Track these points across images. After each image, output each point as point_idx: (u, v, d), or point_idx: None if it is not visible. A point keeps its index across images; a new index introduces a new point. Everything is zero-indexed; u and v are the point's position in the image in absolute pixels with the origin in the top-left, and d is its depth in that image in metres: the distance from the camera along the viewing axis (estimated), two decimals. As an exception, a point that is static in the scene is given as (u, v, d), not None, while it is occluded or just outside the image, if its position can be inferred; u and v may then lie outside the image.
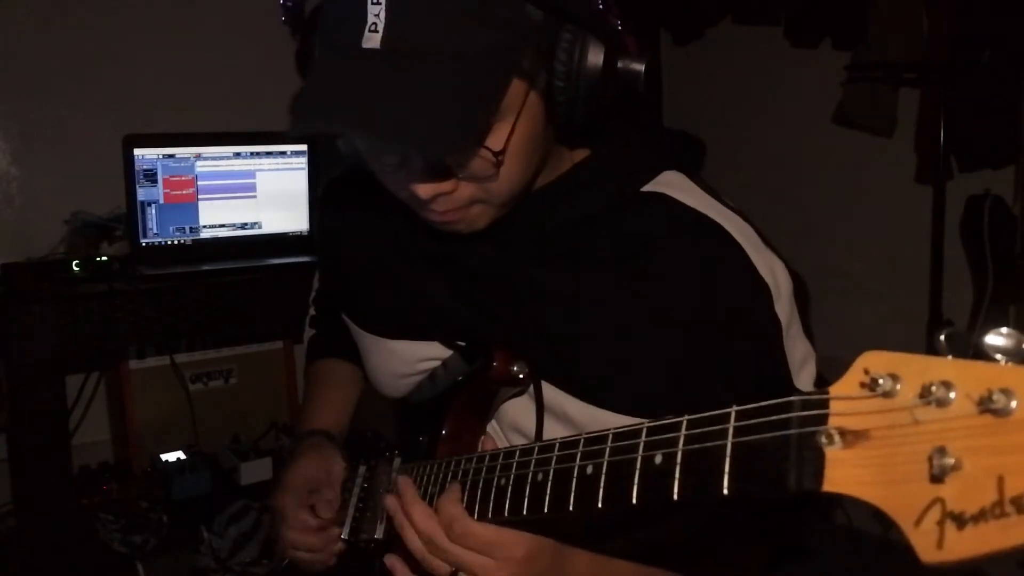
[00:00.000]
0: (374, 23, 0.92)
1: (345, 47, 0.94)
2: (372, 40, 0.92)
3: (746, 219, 1.15)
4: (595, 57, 0.98)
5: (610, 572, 1.09)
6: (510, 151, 0.99)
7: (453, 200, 1.05)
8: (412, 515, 1.08)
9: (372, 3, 0.92)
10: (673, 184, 1.16)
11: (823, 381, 1.13)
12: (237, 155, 3.04)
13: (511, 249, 1.18)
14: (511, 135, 0.98)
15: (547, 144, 1.08)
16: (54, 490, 2.69)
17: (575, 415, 1.16)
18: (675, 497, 0.71)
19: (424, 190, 1.02)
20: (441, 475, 1.11)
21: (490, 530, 1.00)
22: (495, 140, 0.98)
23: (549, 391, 1.17)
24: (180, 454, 3.16)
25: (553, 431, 1.17)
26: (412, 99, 0.91)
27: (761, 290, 1.10)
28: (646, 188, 1.16)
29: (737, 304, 1.10)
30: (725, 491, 0.65)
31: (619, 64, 1.00)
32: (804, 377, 1.12)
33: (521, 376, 1.17)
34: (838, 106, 3.71)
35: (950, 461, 0.48)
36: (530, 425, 1.19)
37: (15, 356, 2.60)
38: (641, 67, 1.02)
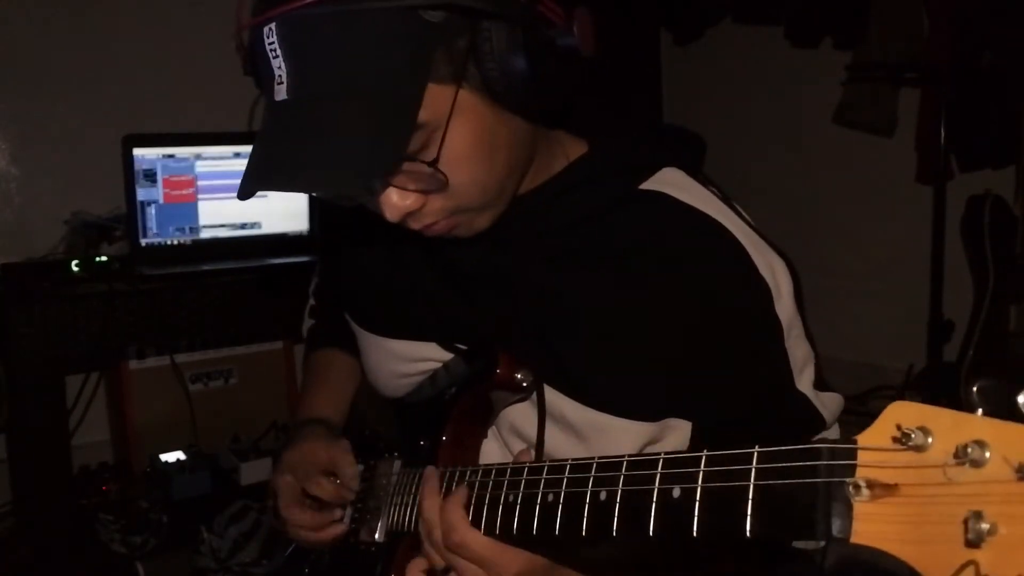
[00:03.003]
0: (279, 75, 0.94)
1: (268, 102, 0.96)
2: (281, 92, 0.94)
3: (746, 217, 1.15)
4: (514, 36, 0.95)
5: None
6: (453, 156, 0.98)
7: (427, 215, 1.04)
8: (420, 504, 1.08)
9: (272, 57, 0.93)
10: (673, 182, 1.15)
11: (823, 383, 1.13)
12: (237, 155, 3.04)
13: (508, 249, 1.17)
14: (443, 142, 0.96)
15: (516, 135, 1.05)
16: (54, 490, 2.70)
17: (574, 418, 1.15)
18: (694, 533, 0.70)
19: (390, 213, 1.02)
20: (444, 485, 1.10)
21: (487, 546, 0.99)
22: (429, 152, 0.97)
23: (548, 394, 1.16)
24: (180, 454, 3.16)
25: (551, 435, 1.16)
26: (319, 145, 0.93)
27: (762, 290, 1.09)
28: (645, 186, 1.15)
29: (737, 304, 1.09)
30: (748, 532, 0.64)
31: (546, 35, 0.98)
32: (805, 379, 1.11)
33: (525, 383, 1.16)
34: (838, 106, 3.72)
35: (986, 526, 0.48)
36: (530, 430, 1.18)
37: (15, 356, 2.60)
38: (570, 35, 0.99)
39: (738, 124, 4.27)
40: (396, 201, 1.01)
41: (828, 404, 1.12)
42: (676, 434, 1.14)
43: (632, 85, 4.49)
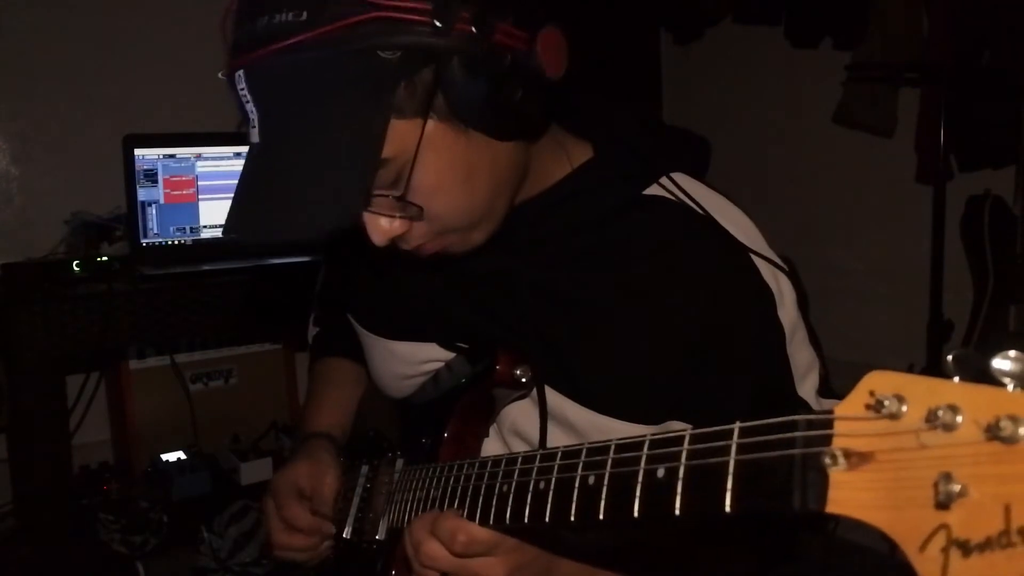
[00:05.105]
0: (252, 119, 0.96)
1: (249, 144, 0.98)
2: (255, 136, 0.96)
3: (751, 223, 1.15)
4: (473, 66, 0.95)
5: None
6: (427, 186, 0.99)
7: (414, 239, 1.05)
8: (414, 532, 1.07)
9: (245, 102, 0.95)
10: (676, 187, 1.15)
11: (828, 390, 1.13)
12: (237, 155, 3.04)
13: (511, 252, 1.17)
14: (410, 175, 0.97)
15: (496, 157, 1.04)
16: (54, 490, 2.69)
17: (576, 420, 1.15)
18: (677, 512, 0.70)
19: (376, 238, 1.03)
20: (443, 478, 1.11)
21: (492, 535, 0.99)
22: (402, 184, 0.98)
23: (550, 395, 1.16)
24: (180, 454, 3.17)
25: (554, 436, 1.17)
26: (286, 191, 0.94)
27: (765, 296, 1.09)
28: (649, 191, 1.16)
29: (740, 310, 1.10)
30: (727, 508, 0.64)
31: (508, 61, 0.96)
32: (807, 386, 1.12)
33: (524, 379, 1.16)
34: (838, 106, 3.71)
35: (956, 488, 0.48)
36: (531, 429, 1.18)
37: (15, 356, 2.60)
38: (533, 57, 0.98)
39: (738, 124, 4.27)
40: (382, 226, 1.02)
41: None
42: None
43: (632, 85, 4.49)
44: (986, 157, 3.36)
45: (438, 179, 0.99)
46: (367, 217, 1.02)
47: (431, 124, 0.97)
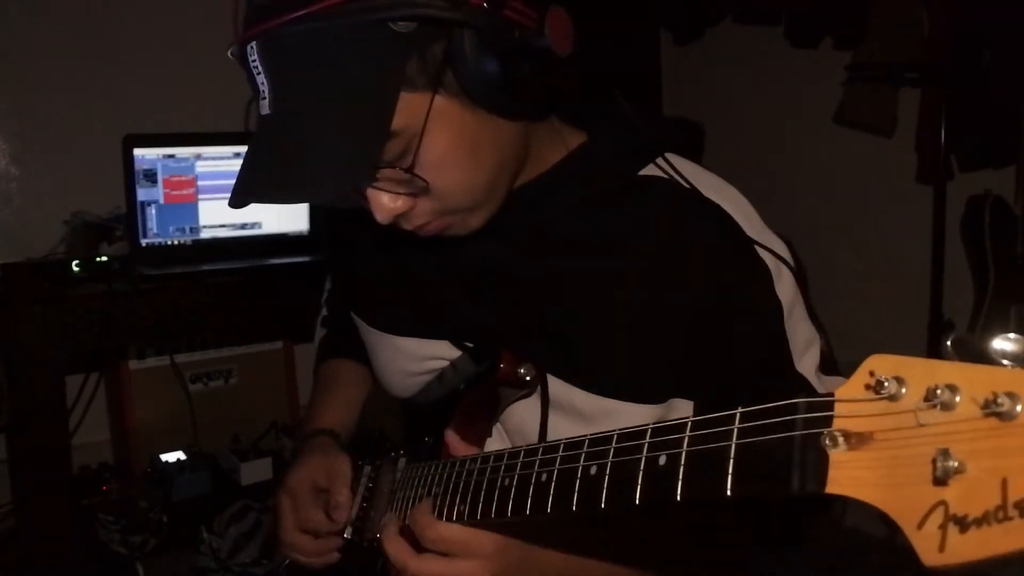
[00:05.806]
0: (263, 91, 0.98)
1: (257, 116, 1.00)
2: (264, 107, 0.98)
3: (746, 201, 1.16)
4: (484, 41, 0.97)
5: (582, 570, 1.10)
6: (434, 161, 1.00)
7: (417, 216, 1.06)
8: (384, 542, 1.11)
9: (256, 74, 0.97)
10: (671, 168, 1.16)
11: (828, 365, 1.13)
12: (237, 155, 3.04)
13: (512, 242, 1.18)
14: (418, 148, 0.98)
15: (500, 135, 1.06)
16: (54, 490, 2.69)
17: (583, 407, 1.15)
18: (678, 498, 0.71)
19: (380, 216, 1.04)
20: (445, 475, 1.11)
21: (463, 530, 1.02)
22: (409, 157, 0.99)
23: (556, 385, 1.17)
24: (180, 454, 3.16)
25: (562, 427, 1.17)
26: (296, 158, 0.96)
27: (761, 272, 1.10)
28: (644, 172, 1.17)
29: (737, 285, 1.11)
30: (728, 492, 0.65)
31: (517, 38, 0.98)
32: (807, 361, 1.12)
33: (528, 378, 1.16)
34: (838, 106, 3.71)
35: (953, 464, 0.48)
36: (536, 428, 1.19)
37: (15, 356, 2.60)
38: (542, 36, 0.99)
39: (738, 124, 4.26)
40: (385, 203, 1.04)
41: (832, 388, 1.12)
42: (679, 414, 1.15)
43: (632, 85, 4.49)
44: (986, 157, 3.35)
45: (444, 154, 1.00)
46: (371, 193, 1.03)
47: (439, 98, 0.98)
